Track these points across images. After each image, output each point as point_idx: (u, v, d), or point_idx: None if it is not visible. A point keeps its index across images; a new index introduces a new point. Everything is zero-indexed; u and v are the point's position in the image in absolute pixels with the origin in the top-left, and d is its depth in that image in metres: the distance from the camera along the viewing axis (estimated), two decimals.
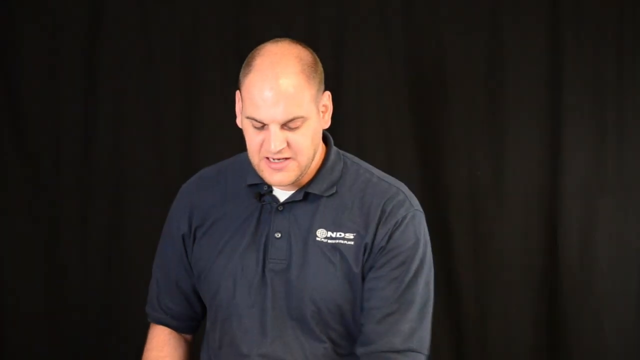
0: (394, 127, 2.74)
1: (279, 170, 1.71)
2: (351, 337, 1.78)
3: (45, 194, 2.68)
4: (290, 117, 1.67)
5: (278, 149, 1.67)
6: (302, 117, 1.68)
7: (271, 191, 1.78)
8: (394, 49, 2.74)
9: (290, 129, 1.68)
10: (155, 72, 2.71)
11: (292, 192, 1.77)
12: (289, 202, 1.77)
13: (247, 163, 1.80)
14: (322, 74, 1.74)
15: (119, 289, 2.67)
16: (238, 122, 1.78)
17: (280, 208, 1.77)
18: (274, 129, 1.67)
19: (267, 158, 1.69)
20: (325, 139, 1.81)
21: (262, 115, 1.67)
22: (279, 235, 1.76)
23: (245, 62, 1.71)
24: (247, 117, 1.69)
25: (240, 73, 1.71)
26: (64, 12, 2.68)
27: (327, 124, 1.78)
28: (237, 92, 1.75)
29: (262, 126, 1.68)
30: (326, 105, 1.75)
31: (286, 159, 1.70)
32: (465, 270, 2.75)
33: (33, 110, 2.67)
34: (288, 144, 1.68)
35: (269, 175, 1.71)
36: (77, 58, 2.69)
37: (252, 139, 1.71)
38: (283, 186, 1.75)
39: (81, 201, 2.68)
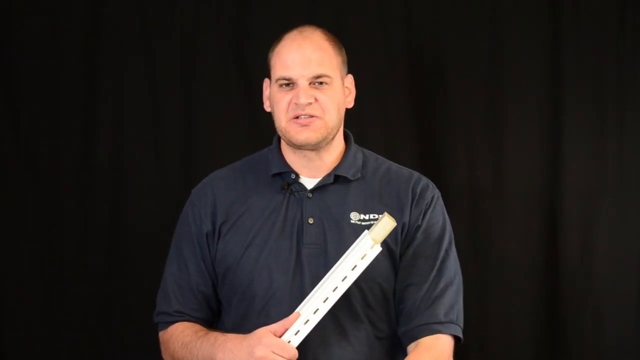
0: (393, 127, 2.74)
1: (306, 126, 1.77)
2: (389, 318, 1.82)
3: (45, 194, 2.68)
4: (317, 73, 1.76)
5: (307, 101, 1.75)
6: (328, 76, 1.78)
7: (298, 180, 1.82)
8: (394, 49, 2.74)
9: (317, 87, 1.77)
10: (155, 73, 2.71)
11: (319, 179, 1.82)
12: (319, 187, 1.81)
13: (265, 158, 1.86)
14: (345, 57, 1.84)
15: (119, 289, 2.67)
16: (266, 107, 1.86)
17: (310, 195, 1.81)
18: (303, 83, 1.76)
19: (295, 118, 1.77)
20: (345, 135, 1.89)
21: (291, 73, 1.76)
22: (312, 220, 1.79)
23: (273, 44, 1.82)
24: (277, 79, 1.78)
25: (269, 54, 1.82)
26: (64, 12, 2.68)
27: (350, 104, 1.87)
28: (265, 80, 1.85)
29: (291, 86, 1.77)
30: (349, 87, 1.86)
31: (313, 117, 1.76)
32: (465, 270, 2.73)
33: (33, 110, 2.67)
34: (316, 100, 1.76)
35: (296, 133, 1.78)
36: (77, 58, 2.69)
37: (281, 100, 1.78)
38: (310, 145, 1.79)
39: (81, 201, 2.68)
